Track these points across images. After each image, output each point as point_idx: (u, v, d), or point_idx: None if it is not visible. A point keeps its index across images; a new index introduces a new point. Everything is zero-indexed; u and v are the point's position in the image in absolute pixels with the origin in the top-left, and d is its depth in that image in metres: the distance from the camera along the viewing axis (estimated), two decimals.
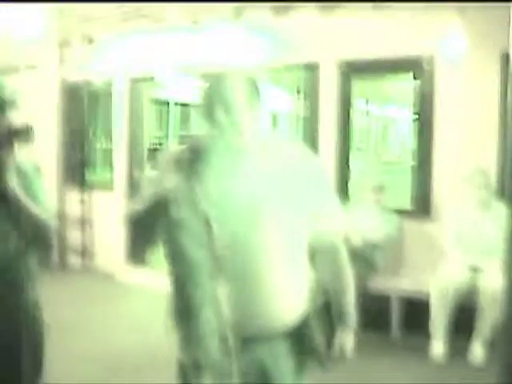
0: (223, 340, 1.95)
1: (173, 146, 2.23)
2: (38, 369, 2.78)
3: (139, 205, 2.18)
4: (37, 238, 2.56)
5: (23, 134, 2.40)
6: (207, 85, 2.26)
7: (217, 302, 1.93)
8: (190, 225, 1.88)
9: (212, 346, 1.93)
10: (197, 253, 1.89)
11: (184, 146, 1.97)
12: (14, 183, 2.42)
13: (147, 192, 2.19)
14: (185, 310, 1.92)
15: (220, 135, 2.10)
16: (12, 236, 2.54)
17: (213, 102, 2.20)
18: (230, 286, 1.97)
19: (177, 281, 1.94)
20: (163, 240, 2.16)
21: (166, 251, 2.09)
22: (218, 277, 1.93)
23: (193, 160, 1.93)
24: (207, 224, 1.91)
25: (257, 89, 2.29)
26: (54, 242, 2.64)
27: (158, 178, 2.15)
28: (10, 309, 2.63)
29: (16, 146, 2.47)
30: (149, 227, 2.18)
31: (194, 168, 1.92)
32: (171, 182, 1.90)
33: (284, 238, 2.23)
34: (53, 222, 2.61)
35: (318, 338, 2.36)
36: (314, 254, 2.49)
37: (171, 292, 2.00)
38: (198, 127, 2.26)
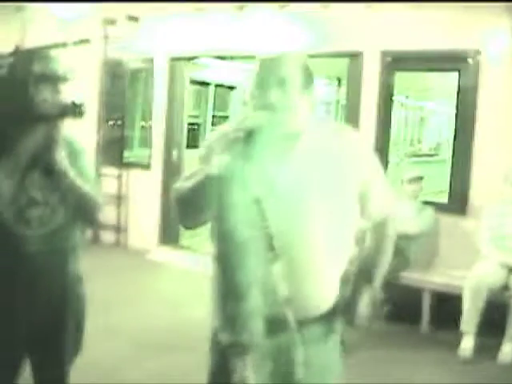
0: (271, 321, 1.97)
1: (226, 126, 2.23)
2: (77, 342, 2.83)
3: (187, 182, 2.20)
4: (83, 212, 2.61)
5: (74, 110, 2.43)
6: (263, 66, 2.27)
7: (266, 282, 1.94)
8: (240, 205, 1.88)
9: (257, 328, 1.94)
10: (245, 233, 1.89)
11: (237, 126, 1.98)
12: (63, 158, 2.46)
13: (196, 170, 2.21)
14: (231, 290, 1.93)
15: (273, 117, 2.10)
16: (59, 209, 2.58)
17: (268, 83, 2.20)
18: (277, 266, 1.99)
19: (223, 261, 1.95)
20: (211, 219, 2.18)
21: (214, 231, 2.10)
22: (266, 258, 1.94)
23: (245, 140, 1.94)
24: (257, 204, 1.92)
25: (310, 74, 2.30)
26: (99, 217, 2.67)
27: (210, 156, 2.16)
28: (55, 279, 2.68)
29: (65, 121, 2.51)
30: (195, 206, 2.19)
31: (246, 148, 1.92)
32: (223, 160, 1.91)
33: (331, 221, 2.23)
34: (99, 198, 2.65)
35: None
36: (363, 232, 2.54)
37: (216, 272, 2.01)
38: (244, 109, 2.27)
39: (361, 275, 2.47)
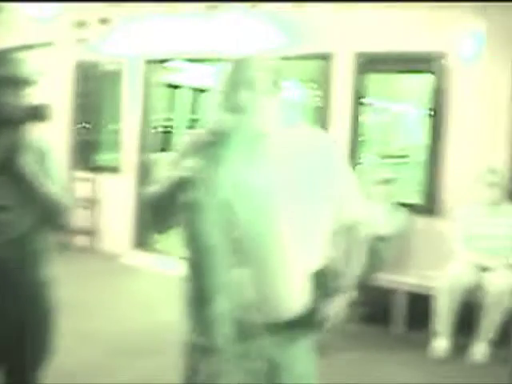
0: (237, 325, 1.95)
1: (195, 130, 2.22)
2: (48, 347, 2.79)
3: (157, 186, 2.19)
4: (51, 216, 2.57)
5: (41, 112, 2.39)
6: (232, 67, 2.26)
7: (232, 286, 1.93)
8: (208, 208, 1.88)
9: (223, 332, 1.93)
10: (214, 236, 1.88)
11: (206, 130, 1.97)
12: (29, 161, 2.42)
13: (167, 174, 2.19)
14: (199, 293, 1.92)
15: (242, 119, 2.09)
16: (27, 213, 2.55)
17: (237, 85, 2.20)
18: (244, 271, 1.97)
19: (192, 264, 1.94)
20: (181, 223, 2.18)
21: (184, 234, 2.09)
22: (233, 261, 1.93)
23: (214, 143, 1.93)
24: (226, 208, 1.91)
25: (279, 75, 2.30)
26: (68, 220, 2.64)
27: (179, 160, 2.15)
28: (22, 284, 2.64)
29: (32, 124, 2.47)
30: (166, 210, 2.19)
31: (214, 152, 1.91)
32: (192, 164, 1.90)
33: (301, 223, 2.23)
34: (68, 201, 2.61)
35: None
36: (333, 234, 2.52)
37: (186, 275, 2.00)
38: (215, 112, 2.25)
39: (330, 279, 2.45)
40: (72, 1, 8.09)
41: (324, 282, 2.35)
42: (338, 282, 2.47)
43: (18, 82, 2.50)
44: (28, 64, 2.55)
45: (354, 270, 2.52)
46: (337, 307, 2.44)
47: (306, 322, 2.30)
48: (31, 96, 2.54)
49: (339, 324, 2.54)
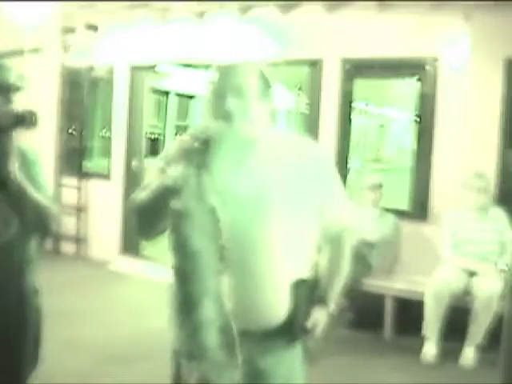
0: (222, 332, 1.94)
1: (182, 136, 2.21)
2: (35, 355, 2.77)
3: (144, 193, 2.18)
4: (37, 223, 2.55)
5: (27, 119, 2.37)
6: (219, 74, 2.26)
7: (218, 293, 1.92)
8: (195, 215, 1.87)
9: (209, 338, 1.92)
10: (200, 243, 1.88)
11: (193, 136, 1.96)
12: (15, 168, 2.40)
13: (153, 180, 2.18)
14: (185, 300, 1.91)
15: (230, 126, 2.09)
16: (13, 221, 2.53)
17: (224, 91, 2.20)
18: (231, 277, 1.96)
19: (179, 271, 1.93)
20: (168, 230, 2.17)
21: (170, 241, 2.08)
22: (220, 268, 1.92)
23: (201, 150, 1.92)
24: (213, 215, 1.90)
25: (268, 82, 2.30)
26: (55, 228, 2.62)
27: (165, 167, 2.15)
28: (9, 294, 2.62)
29: (18, 131, 2.45)
30: (153, 216, 2.18)
31: (202, 158, 1.91)
32: (178, 171, 1.89)
33: (288, 231, 2.23)
34: (54, 209, 2.60)
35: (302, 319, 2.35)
36: (320, 243, 2.51)
37: (173, 282, 1.99)
38: (202, 118, 2.25)
39: (314, 289, 2.44)
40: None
41: (308, 292, 2.33)
42: (322, 292, 2.46)
43: (5, 89, 2.49)
44: (14, 70, 2.53)
45: (339, 281, 2.51)
46: (319, 318, 2.41)
47: (286, 332, 2.29)
48: (18, 102, 2.53)
49: (327, 331, 2.52)
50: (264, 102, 2.27)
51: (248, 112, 2.21)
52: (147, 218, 2.23)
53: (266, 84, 2.29)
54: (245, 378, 2.11)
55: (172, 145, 2.35)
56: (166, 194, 1.96)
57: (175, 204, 1.86)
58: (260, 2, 6.89)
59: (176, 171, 1.89)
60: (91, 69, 8.66)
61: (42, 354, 2.81)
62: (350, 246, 2.51)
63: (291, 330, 2.28)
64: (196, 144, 1.91)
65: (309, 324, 2.35)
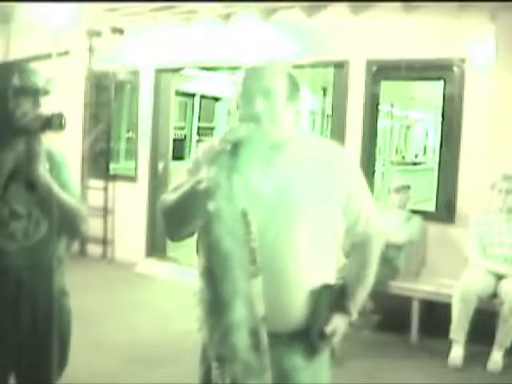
0: (253, 334, 1.94)
1: (212, 139, 2.24)
2: (63, 356, 2.79)
3: (174, 194, 2.19)
4: (66, 224, 2.57)
5: (55, 122, 2.40)
6: (248, 77, 2.26)
7: (249, 295, 1.92)
8: (226, 217, 1.87)
9: (240, 341, 1.92)
10: (231, 245, 1.87)
11: (224, 138, 1.96)
12: (44, 171, 2.42)
13: (184, 182, 2.19)
14: (215, 302, 1.91)
15: (259, 129, 2.09)
16: (43, 222, 2.56)
17: (253, 94, 2.20)
18: (259, 281, 1.96)
19: (209, 273, 1.93)
20: (198, 231, 2.18)
21: (200, 243, 2.08)
22: (252, 271, 1.92)
23: (231, 152, 1.92)
24: (244, 217, 1.90)
25: (296, 84, 2.30)
26: (83, 229, 2.64)
27: (196, 169, 2.15)
28: (40, 293, 2.65)
29: (46, 134, 2.48)
30: (182, 218, 2.19)
31: (233, 160, 1.91)
32: (209, 173, 1.89)
33: (314, 233, 2.23)
34: (82, 210, 2.62)
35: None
36: (346, 247, 2.50)
37: (202, 284, 1.99)
38: (228, 120, 2.26)
39: (337, 296, 2.41)
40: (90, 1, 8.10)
41: (329, 298, 2.31)
42: (346, 299, 2.43)
43: (34, 92, 2.51)
44: (41, 74, 2.56)
45: (363, 288, 2.48)
46: (339, 325, 2.38)
47: (305, 336, 2.27)
48: (45, 105, 2.55)
49: (354, 332, 2.50)
50: (292, 105, 2.28)
51: (276, 115, 2.22)
52: (176, 220, 2.23)
53: (295, 86, 2.30)
54: (273, 381, 2.11)
55: (202, 147, 2.36)
56: (197, 196, 1.96)
57: (207, 206, 1.85)
58: (285, 2, 6.87)
59: (206, 173, 1.89)
60: (117, 72, 8.70)
61: (69, 355, 2.83)
62: (376, 253, 2.49)
63: (308, 335, 2.28)
64: (228, 146, 1.91)
65: (328, 330, 2.32)
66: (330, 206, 2.28)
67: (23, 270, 2.56)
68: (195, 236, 2.27)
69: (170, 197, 2.23)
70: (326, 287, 2.29)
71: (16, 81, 2.47)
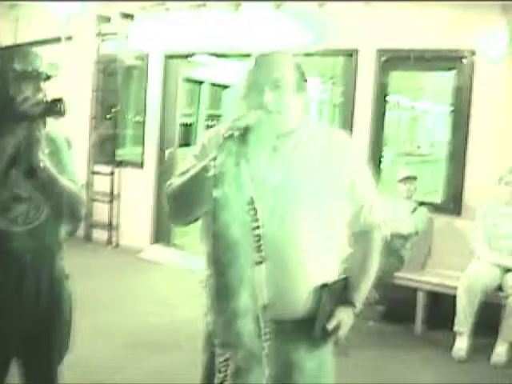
0: (257, 322, 1.93)
1: (219, 125, 2.24)
2: (66, 340, 2.80)
3: (181, 179, 2.19)
4: (66, 209, 2.57)
5: (55, 108, 2.38)
6: (257, 66, 2.26)
7: (253, 282, 1.91)
8: (233, 204, 1.86)
9: (244, 328, 1.91)
10: (237, 232, 1.86)
11: (233, 125, 1.95)
12: (44, 155, 2.41)
13: (191, 168, 2.19)
14: (221, 289, 1.90)
15: (266, 116, 2.08)
16: (43, 206, 2.56)
17: (262, 84, 2.20)
18: (266, 267, 1.95)
19: (215, 260, 1.92)
20: (203, 217, 2.19)
21: (205, 230, 2.08)
22: (257, 258, 1.91)
23: (239, 139, 1.91)
24: (251, 205, 1.89)
25: (304, 75, 2.30)
26: (83, 214, 2.64)
27: (203, 155, 2.16)
28: (42, 276, 2.65)
29: (47, 118, 2.46)
30: (188, 203, 2.20)
31: (240, 147, 1.89)
32: (217, 159, 1.88)
33: (319, 222, 2.24)
34: (82, 195, 2.61)
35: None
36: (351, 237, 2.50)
37: (209, 271, 1.98)
38: (239, 107, 2.25)
39: (342, 290, 2.40)
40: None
41: (332, 294, 2.31)
42: (350, 291, 2.43)
43: (36, 77, 2.49)
44: (44, 58, 2.54)
45: (367, 279, 2.47)
46: (344, 319, 2.37)
47: (309, 325, 2.27)
48: (50, 90, 2.54)
49: (359, 322, 2.49)
50: (299, 95, 2.28)
51: (284, 104, 2.22)
52: (181, 204, 2.24)
53: (302, 77, 2.31)
54: (277, 370, 2.11)
55: (208, 133, 2.36)
56: (204, 182, 1.95)
57: (214, 193, 1.84)
58: None
59: (215, 160, 1.88)
60: (126, 57, 8.66)
61: (72, 339, 2.83)
62: (378, 243, 2.48)
63: (313, 327, 2.28)
64: (234, 132, 1.90)
65: (330, 326, 2.32)
66: (336, 195, 2.28)
67: (26, 253, 2.57)
68: (199, 223, 2.27)
69: (176, 181, 2.23)
70: (327, 285, 2.29)
71: (17, 65, 2.46)
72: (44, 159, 2.39)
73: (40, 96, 2.48)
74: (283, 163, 2.22)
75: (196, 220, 2.26)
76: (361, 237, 2.47)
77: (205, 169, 1.97)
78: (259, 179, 1.96)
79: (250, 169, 1.89)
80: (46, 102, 2.39)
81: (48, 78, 2.54)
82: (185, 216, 2.29)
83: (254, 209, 1.89)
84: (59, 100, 2.36)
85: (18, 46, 2.60)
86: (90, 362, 4.58)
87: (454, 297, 5.46)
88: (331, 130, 2.46)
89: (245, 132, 1.91)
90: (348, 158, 2.33)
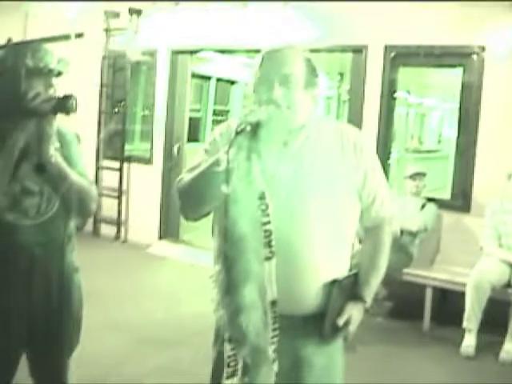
0: (264, 317, 1.93)
1: (232, 119, 2.25)
2: (75, 334, 2.80)
3: (192, 174, 2.20)
4: (77, 204, 2.58)
5: (66, 104, 2.38)
6: (267, 62, 2.25)
7: (262, 278, 1.91)
8: (243, 198, 1.86)
9: (250, 323, 1.91)
10: (246, 227, 1.86)
11: (244, 120, 1.95)
12: (55, 152, 2.42)
13: (201, 162, 2.19)
14: (230, 284, 1.90)
15: (276, 112, 2.07)
16: (54, 199, 2.57)
17: (272, 80, 2.20)
18: (275, 262, 1.95)
19: (224, 255, 1.93)
20: (214, 212, 2.20)
21: (216, 224, 2.08)
22: (267, 254, 1.91)
23: (250, 134, 1.91)
24: (261, 200, 1.89)
25: (315, 70, 2.29)
26: (94, 208, 2.65)
27: (214, 150, 2.15)
28: (52, 269, 2.67)
29: (57, 115, 2.47)
30: (199, 198, 2.20)
31: (250, 142, 1.90)
32: (228, 155, 1.88)
33: (329, 217, 2.24)
34: (93, 190, 2.62)
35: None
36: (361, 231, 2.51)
37: (218, 266, 1.98)
38: (249, 103, 2.25)
39: (351, 286, 2.40)
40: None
41: (342, 290, 2.31)
42: (360, 286, 2.42)
43: (46, 73, 2.50)
44: (54, 54, 2.54)
45: (377, 274, 2.46)
46: (354, 315, 2.37)
47: (318, 320, 2.27)
48: (62, 86, 2.54)
49: (367, 318, 2.49)
50: (310, 91, 2.28)
51: (293, 100, 2.22)
52: (192, 198, 2.24)
53: (313, 73, 2.30)
54: (286, 366, 2.11)
55: (219, 128, 2.36)
56: (215, 176, 1.95)
57: (224, 188, 1.84)
58: None
59: (226, 155, 1.88)
60: (134, 53, 8.66)
61: (80, 333, 2.84)
62: (388, 237, 2.48)
63: (322, 326, 2.28)
64: (245, 127, 1.90)
65: (340, 322, 2.32)
66: (346, 190, 2.29)
67: (36, 245, 2.58)
68: (210, 218, 2.27)
69: (187, 176, 2.24)
70: (338, 282, 2.29)
71: (29, 61, 2.46)
72: (55, 154, 2.40)
73: (51, 92, 2.48)
74: (294, 158, 2.22)
75: (207, 214, 2.27)
76: (372, 231, 2.47)
77: (216, 163, 1.97)
78: (270, 174, 1.96)
79: (261, 164, 1.89)
80: (57, 98, 2.40)
81: (59, 74, 2.55)
82: (196, 210, 2.29)
83: (266, 204, 1.89)
84: (70, 96, 2.37)
85: (30, 42, 2.59)
86: (96, 356, 4.58)
87: (463, 293, 5.45)
88: (342, 126, 2.46)
89: (256, 127, 1.91)
90: (359, 153, 2.33)
